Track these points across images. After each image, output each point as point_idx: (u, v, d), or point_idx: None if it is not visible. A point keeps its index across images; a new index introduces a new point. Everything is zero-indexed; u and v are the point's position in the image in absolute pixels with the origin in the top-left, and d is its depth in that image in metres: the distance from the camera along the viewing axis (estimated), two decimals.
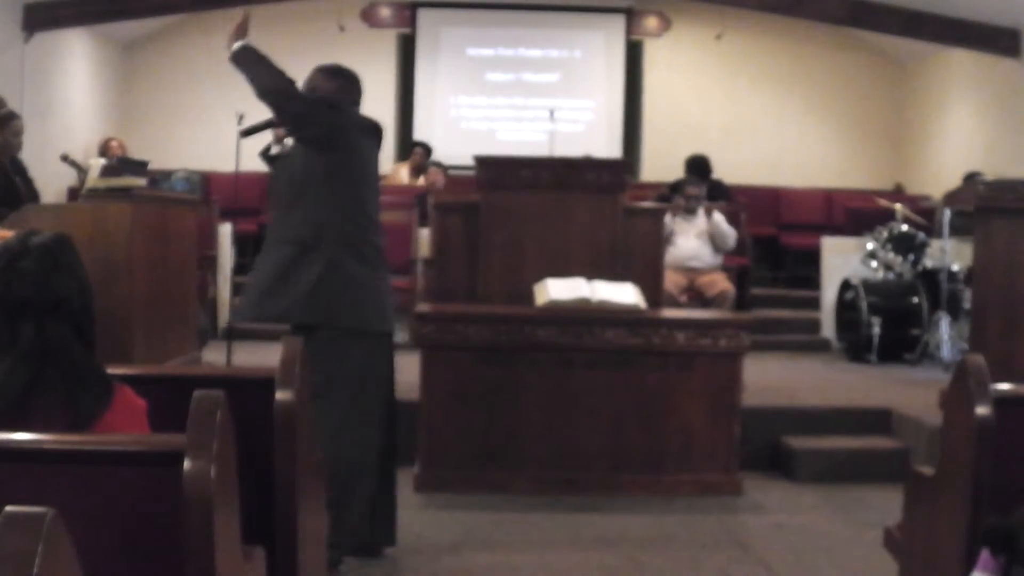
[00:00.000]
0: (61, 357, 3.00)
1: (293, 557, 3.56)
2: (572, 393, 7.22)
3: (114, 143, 13.62)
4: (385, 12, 16.29)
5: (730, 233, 10.38)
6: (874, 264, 11.20)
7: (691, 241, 10.27)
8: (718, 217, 10.37)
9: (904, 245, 11.05)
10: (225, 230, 11.89)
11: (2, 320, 3.00)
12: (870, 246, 11.24)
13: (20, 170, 8.92)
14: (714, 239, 10.32)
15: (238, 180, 11.00)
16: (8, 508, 1.69)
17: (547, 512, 6.84)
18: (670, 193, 10.77)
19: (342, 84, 6.01)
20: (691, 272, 10.23)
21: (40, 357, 2.98)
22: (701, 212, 10.40)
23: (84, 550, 1.82)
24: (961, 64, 14.63)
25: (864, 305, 10.66)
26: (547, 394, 7.22)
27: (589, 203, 7.81)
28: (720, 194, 12.33)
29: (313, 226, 5.62)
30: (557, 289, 7.31)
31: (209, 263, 11.21)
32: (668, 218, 10.05)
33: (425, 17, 16.38)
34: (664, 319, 7.41)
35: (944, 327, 10.37)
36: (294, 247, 5.63)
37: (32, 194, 8.81)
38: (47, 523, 1.67)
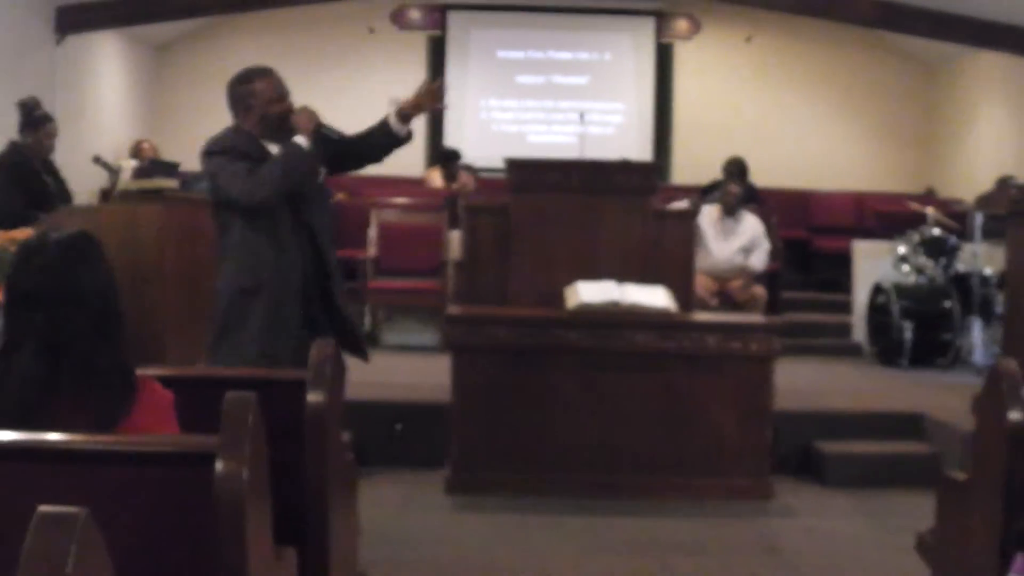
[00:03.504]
0: (76, 353, 3.00)
1: (324, 558, 3.57)
2: (602, 396, 7.21)
3: (146, 145, 13.65)
4: (415, 14, 16.30)
5: (762, 260, 10.39)
6: (906, 268, 11.14)
7: (725, 251, 10.25)
8: (757, 258, 10.37)
9: (936, 249, 10.99)
10: None
11: (18, 313, 3.01)
12: (901, 250, 11.18)
13: (52, 171, 8.98)
14: (747, 252, 10.32)
15: None
16: (41, 508, 1.69)
17: (577, 515, 6.83)
18: (702, 197, 10.76)
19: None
20: (722, 276, 10.21)
21: (54, 353, 2.98)
22: (740, 217, 10.37)
23: (116, 550, 1.82)
24: (992, 66, 14.55)
25: (896, 309, 10.60)
26: (577, 397, 7.21)
27: (619, 206, 7.79)
28: (751, 197, 12.29)
29: None
30: (587, 292, 7.30)
31: None
32: (705, 222, 10.06)
33: (455, 19, 16.39)
34: (695, 323, 7.40)
35: (976, 331, 10.32)
36: None
37: (64, 196, 8.87)
38: (80, 523, 1.68)
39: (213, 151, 5.59)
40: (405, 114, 5.76)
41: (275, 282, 5.48)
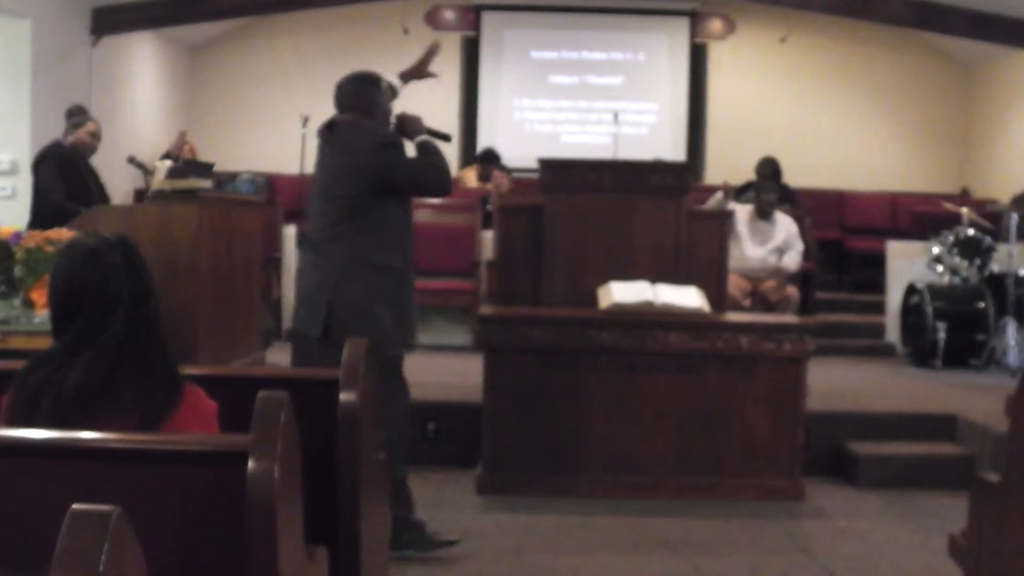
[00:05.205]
0: (139, 352, 3.04)
1: (356, 557, 3.58)
2: (635, 396, 7.21)
3: (186, 146, 13.73)
4: (449, 15, 16.32)
5: (795, 260, 10.36)
6: (940, 268, 11.09)
7: (759, 251, 10.23)
8: (791, 259, 10.33)
9: (970, 249, 10.94)
10: (290, 232, 11.94)
11: (95, 314, 3.04)
12: (936, 250, 11.13)
13: (93, 173, 9.09)
14: (781, 253, 10.29)
15: (303, 182, 11.06)
16: (74, 506, 1.71)
17: (609, 515, 6.83)
18: (735, 197, 10.74)
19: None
20: (755, 276, 10.19)
21: (119, 351, 3.02)
22: (775, 219, 10.35)
23: (149, 549, 1.83)
24: None
25: (929, 310, 10.55)
26: (610, 397, 7.22)
27: (653, 206, 7.79)
28: (785, 198, 12.26)
29: None
30: (621, 292, 7.30)
31: (274, 265, 11.28)
32: (739, 222, 10.03)
33: (489, 20, 16.40)
34: (728, 323, 7.39)
35: (1011, 332, 10.27)
36: None
37: (104, 198, 8.97)
38: (113, 521, 1.69)
39: (387, 143, 5.99)
40: (407, 75, 6.60)
41: (407, 263, 6.18)
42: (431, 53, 6.73)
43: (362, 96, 6.15)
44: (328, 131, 6.09)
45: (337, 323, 5.80)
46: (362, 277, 5.87)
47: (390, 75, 6.50)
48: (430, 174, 6.02)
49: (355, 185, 5.88)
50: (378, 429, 5.64)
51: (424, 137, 6.16)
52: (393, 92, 6.48)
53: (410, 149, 6.08)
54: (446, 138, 6.44)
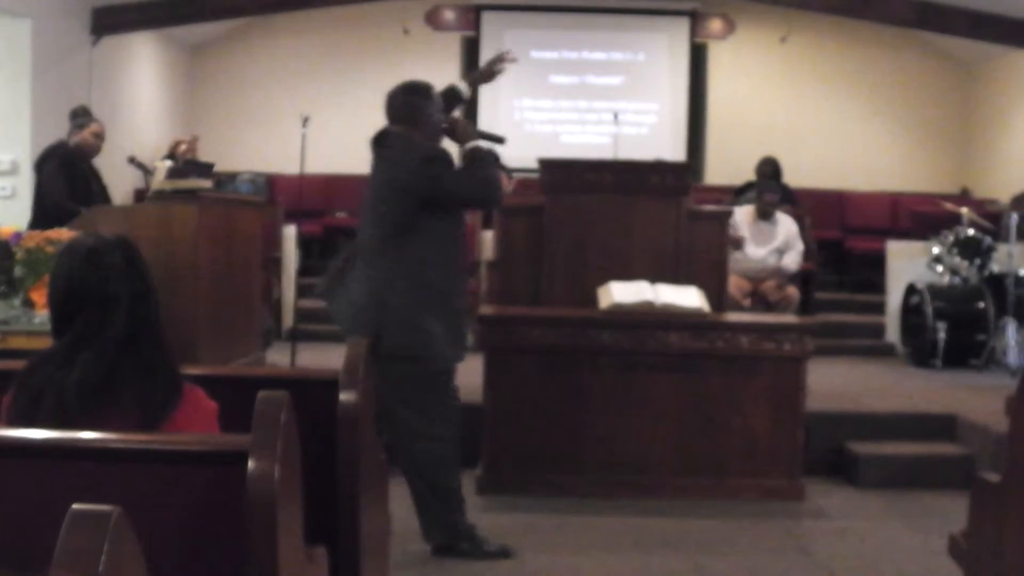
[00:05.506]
0: (139, 352, 3.04)
1: (355, 557, 3.58)
2: (635, 396, 7.21)
3: (183, 146, 13.74)
4: (449, 15, 16.32)
5: (795, 261, 10.37)
6: (940, 268, 11.09)
7: (759, 253, 10.24)
8: (791, 259, 10.34)
9: (970, 249, 10.94)
10: (290, 232, 11.95)
11: (95, 313, 3.04)
12: (936, 250, 11.13)
13: (96, 175, 9.12)
14: (781, 254, 10.30)
15: (303, 182, 11.06)
16: (74, 506, 1.71)
17: (609, 515, 6.83)
18: (736, 198, 10.73)
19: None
20: (755, 277, 10.20)
21: (119, 351, 3.02)
22: (775, 220, 10.36)
23: (149, 549, 1.83)
24: None
25: (929, 310, 10.55)
26: (610, 397, 7.21)
27: (653, 206, 7.78)
28: (785, 198, 12.26)
29: None
30: (621, 292, 7.30)
31: (274, 265, 11.29)
32: (739, 223, 10.03)
33: (489, 20, 16.39)
34: (728, 323, 7.39)
35: (1011, 332, 10.27)
36: None
37: (105, 199, 9.00)
38: (113, 522, 1.69)
39: (430, 158, 5.92)
40: (475, 80, 6.80)
41: (456, 275, 6.10)
42: (501, 59, 6.77)
43: (409, 107, 6.08)
44: (377, 143, 6.11)
45: (384, 336, 5.80)
46: (409, 291, 5.86)
47: (458, 79, 6.60)
48: (473, 188, 5.98)
49: (400, 201, 5.88)
50: (429, 440, 5.93)
51: (472, 145, 6.10)
52: (459, 97, 6.56)
53: None
54: (500, 140, 6.45)
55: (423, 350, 5.86)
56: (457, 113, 6.44)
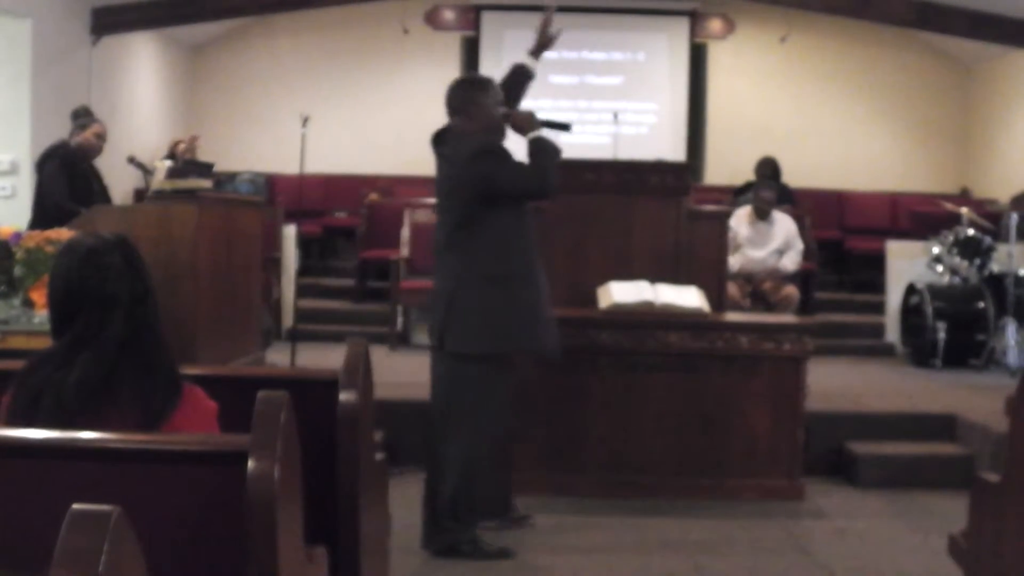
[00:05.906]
0: (138, 352, 3.04)
1: (355, 557, 3.58)
2: (635, 396, 7.21)
3: (183, 146, 13.74)
4: (449, 15, 16.31)
5: (794, 260, 10.37)
6: (940, 268, 11.09)
7: (759, 253, 10.23)
8: (790, 259, 10.34)
9: (970, 249, 10.94)
10: (289, 232, 11.95)
11: (94, 313, 3.04)
12: (936, 250, 11.13)
13: (97, 176, 9.13)
14: (781, 254, 10.29)
15: (303, 182, 11.06)
16: (74, 506, 1.71)
17: (610, 515, 6.83)
18: (735, 198, 10.72)
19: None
20: (755, 277, 10.19)
21: (118, 351, 3.02)
22: (773, 219, 10.36)
23: (149, 549, 1.83)
24: None
25: (929, 310, 10.55)
26: (610, 397, 7.22)
27: (653, 206, 7.78)
28: (785, 198, 12.26)
29: None
30: (621, 292, 7.30)
31: (273, 264, 11.28)
32: (738, 224, 10.03)
33: (489, 20, 16.37)
34: (728, 323, 7.39)
35: (1010, 332, 10.27)
36: None
37: (106, 199, 9.01)
38: (112, 521, 1.69)
39: (484, 151, 5.93)
40: (536, 50, 6.79)
41: (525, 269, 6.05)
42: (547, 22, 6.85)
43: (463, 99, 6.09)
44: (437, 140, 6.14)
45: (451, 334, 5.86)
46: (476, 287, 5.88)
47: (522, 57, 6.72)
48: (529, 179, 5.96)
49: (460, 197, 5.93)
50: (476, 436, 5.96)
51: (535, 134, 6.10)
52: (527, 74, 6.70)
53: None
54: (565, 127, 6.49)
55: (488, 347, 5.89)
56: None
